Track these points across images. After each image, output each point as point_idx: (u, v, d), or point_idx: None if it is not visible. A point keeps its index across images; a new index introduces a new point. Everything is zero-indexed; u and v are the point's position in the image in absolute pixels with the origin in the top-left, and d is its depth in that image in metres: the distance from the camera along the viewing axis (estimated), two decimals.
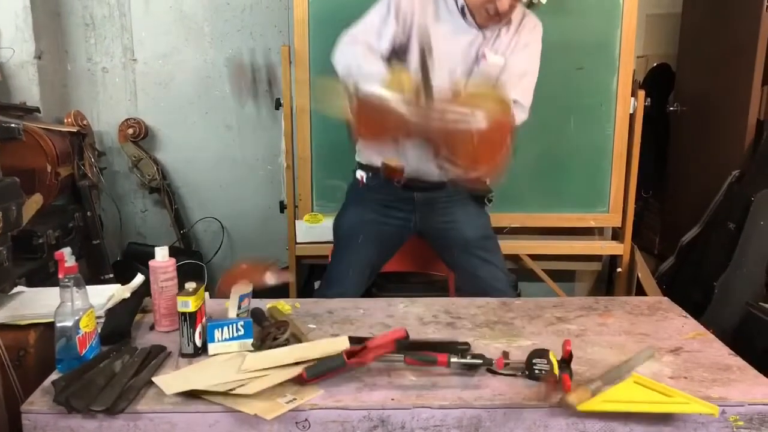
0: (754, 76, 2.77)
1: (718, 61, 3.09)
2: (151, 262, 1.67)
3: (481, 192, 2.24)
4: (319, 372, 1.35)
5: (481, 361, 1.40)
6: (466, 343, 1.56)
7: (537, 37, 2.09)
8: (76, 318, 1.42)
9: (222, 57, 3.37)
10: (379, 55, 1.92)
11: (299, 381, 1.35)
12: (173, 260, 1.69)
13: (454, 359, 1.39)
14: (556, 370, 1.37)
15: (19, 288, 1.91)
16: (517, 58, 2.05)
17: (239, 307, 1.62)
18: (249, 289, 1.65)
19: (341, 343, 1.50)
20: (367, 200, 2.21)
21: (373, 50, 1.92)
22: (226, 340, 1.52)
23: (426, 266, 2.53)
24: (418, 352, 1.41)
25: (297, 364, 1.40)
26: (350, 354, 1.37)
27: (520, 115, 2.02)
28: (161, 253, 1.67)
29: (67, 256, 1.51)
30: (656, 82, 3.52)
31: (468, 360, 1.40)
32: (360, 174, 2.21)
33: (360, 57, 1.88)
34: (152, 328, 1.69)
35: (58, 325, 1.42)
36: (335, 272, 2.24)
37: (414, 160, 2.07)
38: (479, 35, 2.04)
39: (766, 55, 2.75)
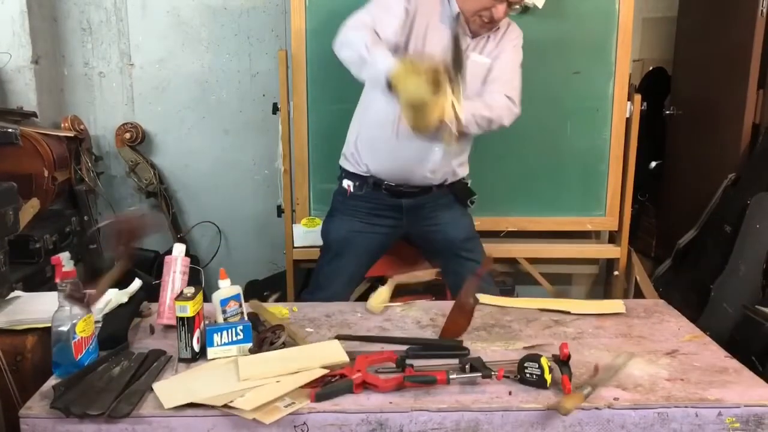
0: (750, 79, 2.77)
1: (714, 65, 3.09)
2: (167, 257, 1.73)
3: (464, 195, 2.30)
4: (327, 396, 1.34)
5: (480, 374, 1.40)
6: (466, 349, 1.57)
7: (519, 43, 2.18)
8: (73, 322, 1.42)
9: (219, 62, 3.38)
10: (384, 45, 1.87)
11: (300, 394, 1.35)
12: (188, 259, 1.75)
13: (453, 375, 1.38)
14: (548, 375, 1.37)
15: (16, 293, 1.91)
16: (505, 58, 2.13)
17: (224, 312, 1.61)
18: (236, 291, 1.64)
19: (334, 348, 1.52)
20: (355, 209, 2.23)
21: (378, 41, 1.88)
22: (225, 344, 1.52)
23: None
24: (417, 373, 1.40)
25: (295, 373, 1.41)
26: (359, 383, 1.37)
27: (514, 110, 2.10)
28: (179, 249, 1.74)
29: (65, 260, 1.51)
30: (652, 86, 3.52)
31: (467, 374, 1.40)
32: (347, 183, 2.23)
33: (369, 43, 1.83)
34: (152, 332, 1.69)
35: (55, 329, 1.43)
36: (322, 278, 2.26)
37: (402, 169, 2.13)
38: (468, 41, 2.09)
39: (762, 58, 2.75)
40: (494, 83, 2.10)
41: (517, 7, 2.02)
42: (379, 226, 2.23)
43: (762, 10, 2.72)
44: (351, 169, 2.22)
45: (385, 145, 2.12)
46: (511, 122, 2.12)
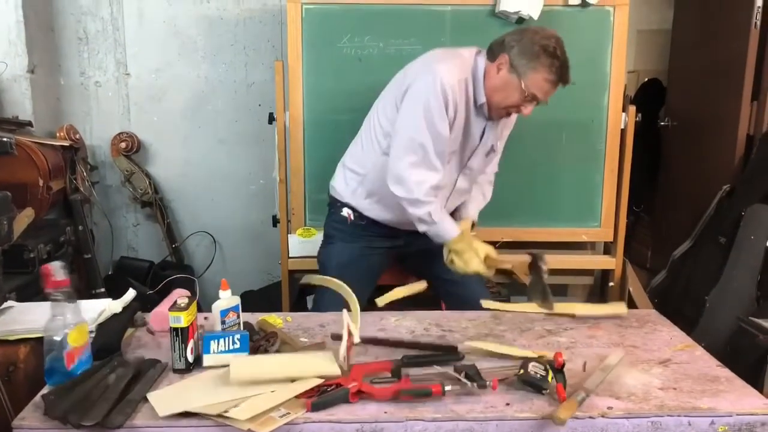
0: (744, 91, 2.79)
1: (708, 77, 3.11)
2: None
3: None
4: (324, 405, 1.34)
5: (475, 385, 1.40)
6: (460, 353, 1.58)
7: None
8: (66, 332, 1.42)
9: (215, 71, 3.39)
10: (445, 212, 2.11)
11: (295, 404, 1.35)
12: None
13: (448, 387, 1.38)
14: (551, 376, 1.39)
15: (10, 303, 1.90)
16: (507, 133, 2.33)
17: (223, 323, 1.60)
18: (236, 302, 1.64)
19: (327, 358, 1.51)
20: (355, 236, 2.26)
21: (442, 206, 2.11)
22: (221, 352, 1.51)
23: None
24: (412, 386, 1.40)
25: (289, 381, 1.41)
26: (355, 393, 1.37)
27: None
28: None
29: (55, 270, 1.50)
30: (647, 97, 3.54)
31: (462, 387, 1.40)
32: (347, 212, 2.25)
33: (433, 210, 2.03)
34: (151, 331, 1.68)
35: (48, 339, 1.42)
36: (324, 307, 2.23)
37: (406, 224, 2.15)
38: (485, 124, 2.16)
39: (755, 70, 2.77)
40: (495, 157, 2.31)
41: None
42: (379, 248, 2.27)
43: (755, 23, 2.74)
44: (353, 203, 2.24)
45: (393, 209, 2.16)
46: None
